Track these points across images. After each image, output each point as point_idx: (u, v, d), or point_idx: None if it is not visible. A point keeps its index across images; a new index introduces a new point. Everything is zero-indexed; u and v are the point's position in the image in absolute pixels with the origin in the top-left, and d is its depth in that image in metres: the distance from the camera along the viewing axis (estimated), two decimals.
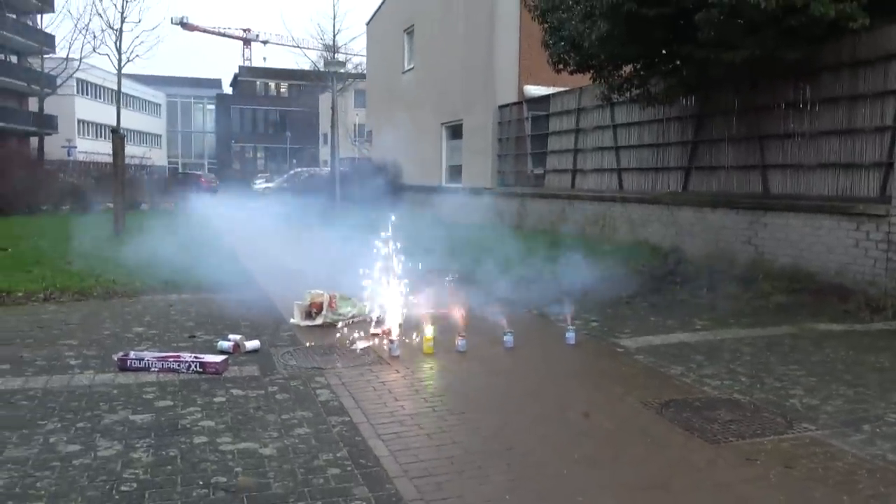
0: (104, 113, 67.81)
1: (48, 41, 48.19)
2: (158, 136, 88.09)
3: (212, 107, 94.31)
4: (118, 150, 13.26)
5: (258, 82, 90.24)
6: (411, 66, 25.49)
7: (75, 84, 60.76)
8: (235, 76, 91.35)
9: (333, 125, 26.76)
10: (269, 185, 46.24)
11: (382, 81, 29.14)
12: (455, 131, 21.87)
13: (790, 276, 9.41)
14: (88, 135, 66.78)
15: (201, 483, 3.74)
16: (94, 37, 48.72)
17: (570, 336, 6.72)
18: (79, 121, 64.81)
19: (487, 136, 19.23)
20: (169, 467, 3.93)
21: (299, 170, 48.58)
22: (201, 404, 4.96)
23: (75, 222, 15.65)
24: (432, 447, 4.27)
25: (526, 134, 17.61)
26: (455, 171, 22.07)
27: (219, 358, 5.76)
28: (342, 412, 4.85)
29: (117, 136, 13.67)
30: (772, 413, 4.88)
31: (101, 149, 54.79)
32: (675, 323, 7.64)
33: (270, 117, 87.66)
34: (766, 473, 3.92)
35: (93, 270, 10.05)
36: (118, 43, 33.93)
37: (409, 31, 25.55)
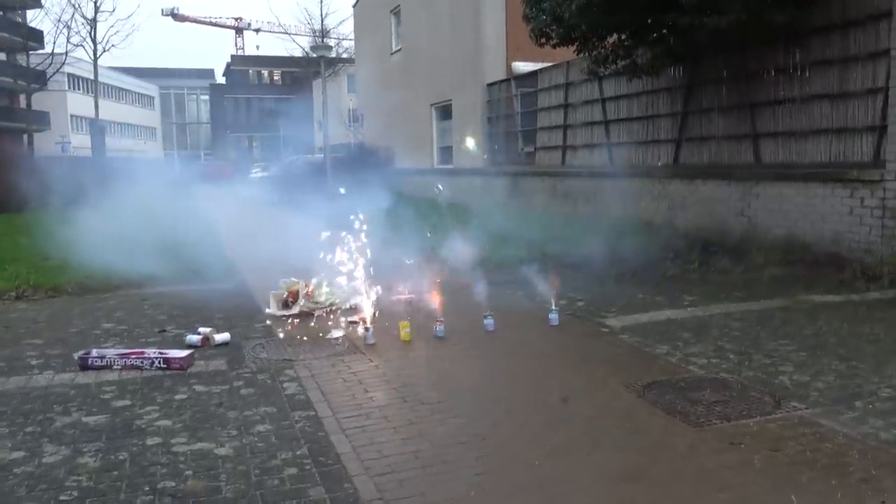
0: (100, 107, 67.33)
1: (36, 37, 47.75)
2: (153, 129, 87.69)
3: (206, 97, 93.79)
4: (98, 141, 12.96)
5: (251, 71, 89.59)
6: (399, 47, 25.11)
7: (66, 79, 60.37)
8: (228, 65, 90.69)
9: (324, 111, 26.41)
10: (264, 173, 45.95)
11: (371, 64, 28.75)
12: (445, 112, 21.55)
13: (784, 247, 9.15)
14: (82, 130, 66.41)
15: (147, 489, 3.51)
16: (68, 27, 47.97)
17: (554, 317, 6.48)
18: (72, 116, 64.34)
19: (476, 116, 18.91)
20: (115, 472, 3.69)
21: (293, 157, 48.21)
22: (161, 403, 4.73)
23: (62, 218, 15.35)
24: (398, 441, 4.04)
25: (515, 112, 17.29)
26: (446, 153, 21.77)
27: (184, 353, 5.52)
28: (307, 406, 4.62)
29: (97, 126, 13.35)
30: (759, 392, 4.63)
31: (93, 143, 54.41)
32: (663, 300, 7.39)
33: (265, 106, 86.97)
34: (751, 458, 3.67)
35: (69, 266, 9.79)
36: (93, 33, 33.50)
37: (396, 12, 25.14)
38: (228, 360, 5.68)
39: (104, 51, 34.65)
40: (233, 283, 8.99)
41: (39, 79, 45.03)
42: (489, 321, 6.35)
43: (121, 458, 3.88)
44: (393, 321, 6.36)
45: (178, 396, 4.84)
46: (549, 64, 15.80)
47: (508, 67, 18.47)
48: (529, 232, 11.28)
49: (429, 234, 10.33)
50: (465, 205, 16.70)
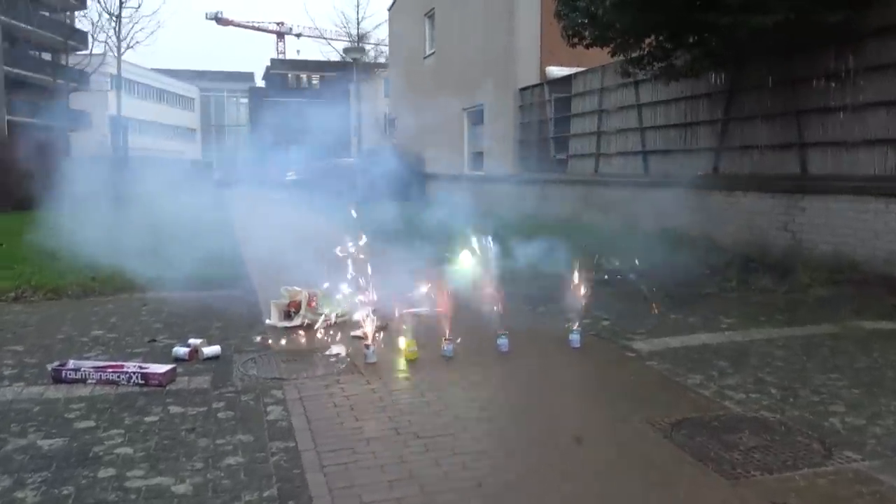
0: (138, 107, 68.30)
1: (79, 37, 48.33)
2: (193, 131, 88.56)
3: (245, 100, 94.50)
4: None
5: (290, 75, 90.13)
6: (432, 51, 24.66)
7: (109, 80, 61.20)
8: (267, 69, 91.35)
9: (357, 114, 26.14)
10: (298, 177, 45.88)
11: (405, 68, 28.37)
12: (477, 117, 21.01)
13: (831, 265, 8.43)
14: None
15: None
16: (93, 24, 48.20)
17: (575, 338, 5.88)
18: (112, 117, 65.12)
19: (508, 121, 18.34)
20: None
21: (325, 161, 48.11)
22: (128, 426, 4.25)
23: (82, 217, 15.15)
24: (383, 484, 3.50)
25: (548, 117, 16.69)
26: (478, 159, 21.22)
27: (164, 368, 5.05)
28: (288, 436, 4.10)
29: (117, 123, 13.08)
30: (806, 437, 4.00)
31: (136, 143, 54.95)
32: (697, 321, 6.75)
33: (303, 109, 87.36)
34: None
35: (77, 267, 9.44)
36: (117, 28, 33.59)
37: (430, 15, 24.70)
38: (214, 376, 5.19)
39: (128, 47, 34.66)
40: (241, 288, 8.55)
41: (81, 79, 45.53)
42: (503, 341, 5.79)
43: (65, 492, 3.40)
44: (398, 337, 5.83)
45: (148, 418, 4.36)
46: (584, 69, 15.18)
47: (542, 72, 17.88)
48: (556, 243, 10.67)
49: (446, 251, 9.76)
50: (494, 213, 16.14)
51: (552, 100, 16.50)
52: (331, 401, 4.69)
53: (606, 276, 9.03)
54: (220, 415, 4.44)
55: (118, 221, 13.95)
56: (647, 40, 10.00)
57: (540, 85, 17.17)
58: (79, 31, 49.33)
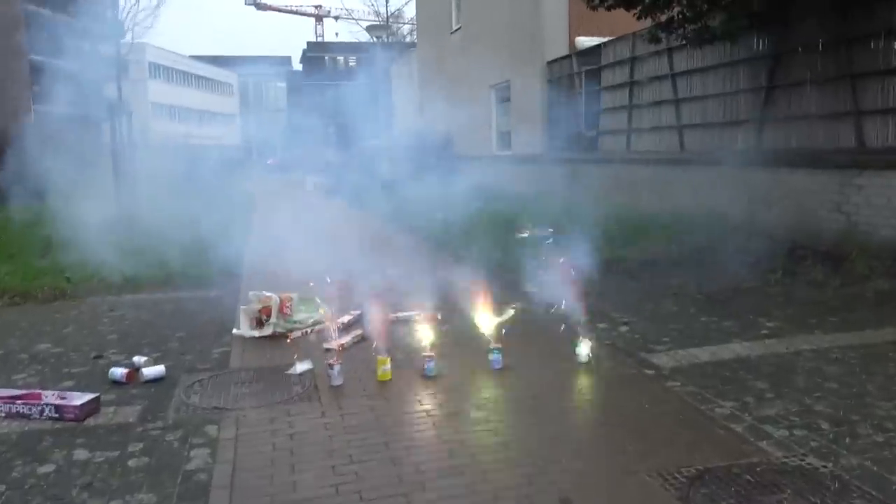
0: (177, 95, 68.63)
1: (116, 26, 48.29)
2: (232, 116, 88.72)
3: (283, 84, 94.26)
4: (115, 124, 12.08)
5: (327, 58, 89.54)
6: (458, 26, 23.55)
7: (147, 68, 61.47)
8: (304, 52, 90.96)
9: (392, 94, 25.29)
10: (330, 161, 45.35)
11: (432, 45, 27.31)
12: (504, 94, 19.92)
13: (894, 252, 7.28)
14: (163, 117, 67.48)
15: None
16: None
17: (583, 351, 4.93)
18: (152, 104, 65.41)
19: (536, 97, 17.23)
20: None
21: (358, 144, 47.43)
22: (11, 480, 3.46)
23: (86, 210, 14.61)
24: None
25: (577, 91, 15.55)
26: (506, 138, 20.16)
27: (84, 398, 4.25)
28: (200, 496, 3.27)
29: (117, 109, 12.44)
30: (869, 499, 3.02)
31: (176, 130, 54.92)
32: (734, 325, 5.72)
33: (340, 92, 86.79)
34: None
35: (58, 266, 8.79)
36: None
37: None
38: (147, 405, 4.39)
39: (127, 29, 34.20)
40: (225, 289, 7.75)
41: (120, 67, 45.54)
42: (496, 356, 4.87)
43: None
44: (387, 348, 4.94)
45: (42, 468, 3.57)
46: (615, 38, 14.01)
47: (571, 43, 16.70)
48: (581, 229, 9.67)
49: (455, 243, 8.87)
50: (520, 195, 15.15)
51: (581, 72, 15.34)
52: (271, 441, 3.84)
53: (631, 268, 8.02)
54: (131, 462, 3.62)
55: (125, 215, 13.36)
56: None
57: (568, 57, 16.02)
58: (118, 21, 49.27)
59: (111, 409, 4.33)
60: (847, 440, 3.59)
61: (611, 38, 14.27)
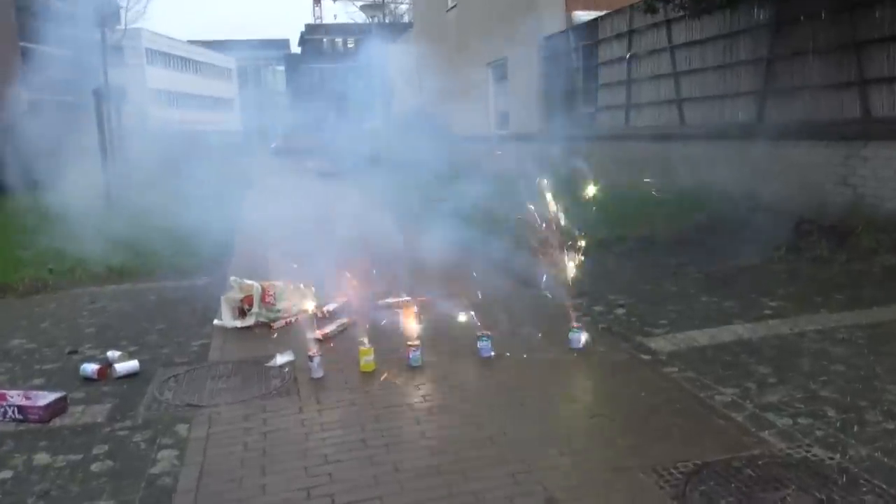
0: (175, 80, 68.16)
1: (112, 11, 47.86)
2: (231, 101, 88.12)
3: (281, 68, 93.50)
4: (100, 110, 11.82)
5: (325, 40, 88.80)
6: (454, 3, 23.15)
7: (144, 53, 61.02)
8: (302, 35, 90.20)
9: (390, 75, 24.94)
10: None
11: (428, 24, 26.92)
12: (501, 71, 19.58)
13: None
14: (161, 104, 67.07)
15: None
16: None
17: (576, 337, 4.69)
18: (150, 90, 64.99)
19: (532, 74, 16.90)
20: None
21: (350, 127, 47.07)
22: None
23: (74, 199, 14.35)
24: None
25: (575, 67, 15.22)
26: (504, 117, 19.84)
27: (50, 398, 4.04)
28: (164, 502, 3.06)
29: (97, 93, 12.16)
30: (879, 492, 2.79)
31: (174, 117, 54.55)
32: (735, 305, 5.48)
33: (339, 74, 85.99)
34: None
35: (40, 258, 8.58)
36: None
37: None
38: (117, 403, 4.18)
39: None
40: (213, 277, 7.52)
41: (115, 54, 45.11)
42: (485, 344, 4.65)
43: None
44: (372, 337, 4.71)
45: None
46: (612, 11, 13.66)
47: (568, 18, 16.34)
48: (576, 207, 9.41)
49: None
50: (517, 174, 14.87)
51: (578, 47, 15.01)
52: (243, 439, 3.62)
53: (630, 247, 7.78)
54: (94, 466, 3.42)
55: (114, 203, 13.13)
56: None
57: (564, 32, 15.67)
58: (115, 5, 48.84)
59: (79, 408, 4.12)
60: (855, 428, 3.36)
61: (608, 11, 13.93)
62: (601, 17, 13.91)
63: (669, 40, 11.56)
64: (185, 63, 73.08)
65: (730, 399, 3.78)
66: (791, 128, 9.01)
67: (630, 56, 12.85)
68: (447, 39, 23.79)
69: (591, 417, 3.71)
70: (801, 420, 3.50)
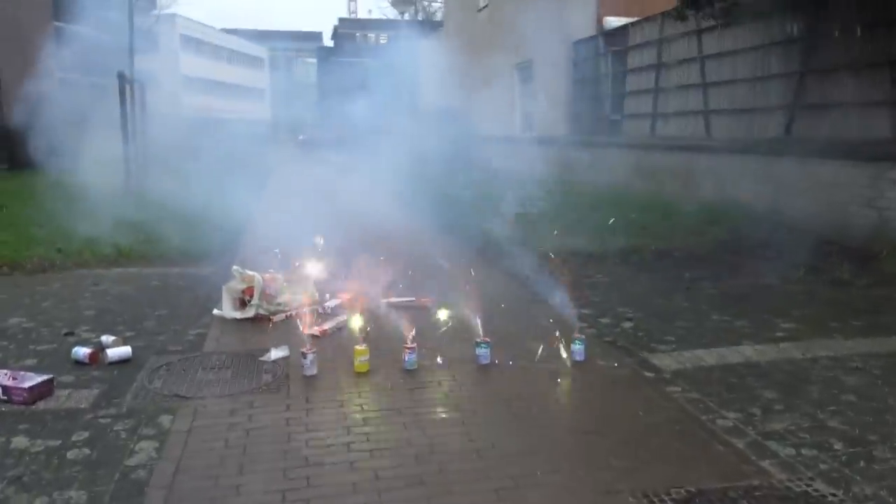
0: (208, 68, 68.62)
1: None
2: (261, 91, 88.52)
3: (313, 60, 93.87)
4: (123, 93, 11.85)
5: (357, 34, 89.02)
6: (486, 3, 23.00)
7: (178, 40, 61.57)
8: (335, 28, 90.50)
9: (419, 72, 24.80)
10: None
11: (459, 23, 26.80)
12: (528, 73, 19.42)
13: None
14: (195, 91, 67.54)
15: None
16: None
17: (578, 349, 4.55)
18: (184, 77, 65.44)
19: (560, 78, 16.72)
20: None
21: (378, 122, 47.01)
22: None
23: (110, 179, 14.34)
24: None
25: (603, 73, 15.03)
26: (529, 120, 19.67)
27: (34, 381, 3.97)
28: (135, 497, 2.97)
29: (123, 78, 12.18)
30: None
31: (205, 104, 54.84)
32: (747, 325, 5.30)
33: (371, 69, 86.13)
34: None
35: (53, 237, 8.59)
36: None
37: None
38: (105, 389, 4.11)
39: None
40: (220, 265, 7.44)
41: (149, 39, 45.47)
42: (483, 350, 4.52)
43: None
44: (372, 337, 4.61)
45: None
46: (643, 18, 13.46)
47: (599, 23, 16.14)
48: (597, 216, 9.26)
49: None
50: (540, 179, 14.74)
51: (608, 53, 14.82)
52: (225, 436, 3.53)
53: (645, 259, 7.61)
54: (70, 454, 3.34)
55: (134, 187, 13.16)
56: None
57: (594, 37, 15.48)
58: None
59: (66, 392, 4.06)
60: (862, 464, 3.19)
61: (639, 18, 13.73)
62: (632, 24, 13.72)
63: (700, 50, 11.35)
64: (217, 51, 73.56)
65: (732, 424, 3.62)
66: (819, 145, 8.78)
67: (659, 64, 12.64)
68: (477, 39, 23.65)
69: (586, 434, 3.56)
70: (805, 451, 3.33)
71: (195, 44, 67.94)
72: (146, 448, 3.39)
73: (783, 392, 4.01)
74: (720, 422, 3.66)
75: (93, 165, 15.24)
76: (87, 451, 3.38)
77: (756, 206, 9.45)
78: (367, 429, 3.59)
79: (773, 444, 3.39)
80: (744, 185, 9.89)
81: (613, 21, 15.66)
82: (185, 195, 10.65)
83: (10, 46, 22.72)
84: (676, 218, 9.56)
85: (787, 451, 3.32)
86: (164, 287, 6.57)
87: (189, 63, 65.33)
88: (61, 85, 25.40)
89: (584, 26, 16.25)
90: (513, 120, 20.46)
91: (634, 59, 13.64)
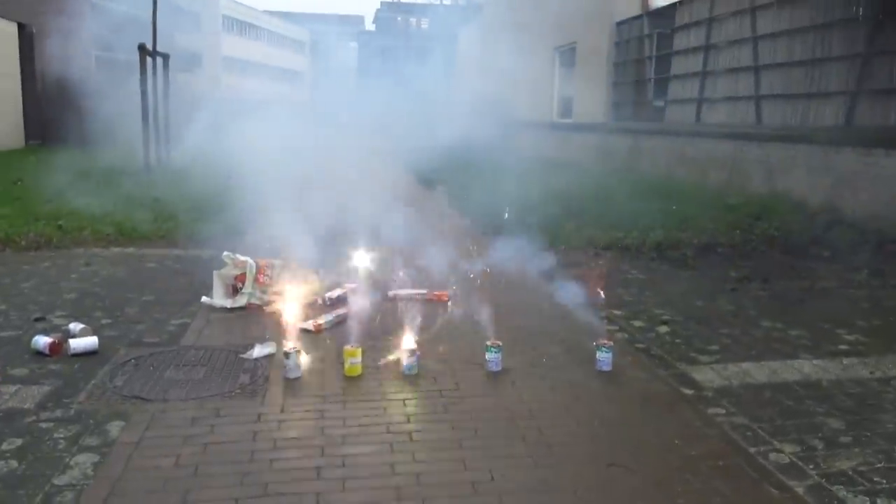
0: (251, 50, 68.71)
1: None
2: (301, 74, 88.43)
3: (354, 44, 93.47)
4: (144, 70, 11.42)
5: (399, 18, 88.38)
6: None
7: (220, 20, 61.72)
8: (377, 12, 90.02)
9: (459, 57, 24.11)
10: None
11: (499, 5, 26.00)
12: (569, 57, 18.60)
13: None
14: (235, 72, 67.61)
15: None
16: None
17: (604, 358, 3.91)
18: (224, 58, 65.51)
19: (602, 61, 15.90)
20: None
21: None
22: None
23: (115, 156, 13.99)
24: None
25: (647, 56, 14.19)
26: (567, 105, 18.88)
27: None
28: None
29: (144, 51, 11.75)
30: None
31: (247, 85, 54.73)
32: (803, 335, 4.60)
33: (412, 53, 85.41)
34: None
35: (58, 213, 8.19)
36: None
37: None
38: (59, 386, 3.60)
39: None
40: (221, 247, 6.92)
41: (190, 20, 45.40)
42: (494, 356, 3.91)
43: None
44: (371, 333, 4.03)
45: None
46: None
47: (645, 2, 15.26)
48: (636, 208, 8.53)
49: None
50: (576, 167, 14.03)
51: (653, 34, 13.97)
52: (177, 452, 2.98)
53: (686, 255, 6.92)
54: None
55: (156, 166, 12.77)
56: None
57: (639, 17, 14.63)
58: None
59: (13, 388, 3.57)
60: None
61: None
62: (680, 2, 12.86)
63: (753, 30, 10.51)
64: (259, 32, 73.61)
65: (788, 460, 2.97)
66: (883, 134, 7.96)
67: (708, 46, 11.80)
68: (517, 22, 22.86)
69: (608, 467, 2.93)
70: (880, 500, 2.67)
71: (237, 24, 68.01)
72: (82, 463, 2.86)
73: (850, 420, 3.34)
74: (773, 456, 3.00)
75: (121, 142, 14.98)
76: (14, 463, 2.86)
77: (810, 201, 8.66)
78: (344, 449, 3.01)
79: (840, 490, 2.74)
80: (796, 177, 9.09)
81: (660, 0, 14.79)
82: (205, 175, 10.22)
83: (46, 23, 22.62)
84: (721, 210, 8.81)
85: (858, 501, 2.67)
86: (158, 270, 6.09)
87: (230, 43, 65.46)
88: (96, 63, 25.31)
89: (628, 5, 15.37)
90: (551, 105, 19.66)
91: (681, 41, 12.79)
